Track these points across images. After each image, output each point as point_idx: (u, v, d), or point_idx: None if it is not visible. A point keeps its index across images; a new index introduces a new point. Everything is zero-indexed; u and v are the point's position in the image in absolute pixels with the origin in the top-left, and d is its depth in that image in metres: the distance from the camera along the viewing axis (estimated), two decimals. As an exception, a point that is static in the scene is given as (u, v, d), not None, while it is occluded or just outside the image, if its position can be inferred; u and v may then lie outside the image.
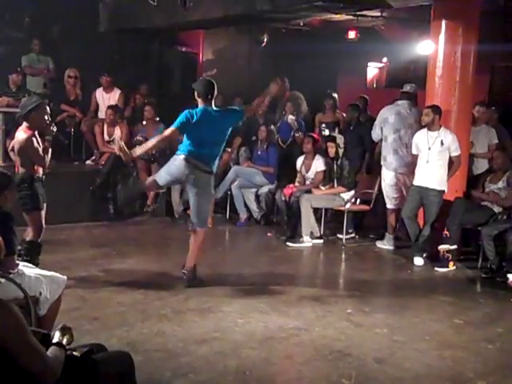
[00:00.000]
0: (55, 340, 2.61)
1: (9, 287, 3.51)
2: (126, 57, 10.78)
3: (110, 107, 9.03)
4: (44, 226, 5.53)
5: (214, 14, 8.71)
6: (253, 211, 8.86)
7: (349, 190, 7.88)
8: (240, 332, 4.71)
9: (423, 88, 7.48)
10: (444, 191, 6.93)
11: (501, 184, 6.87)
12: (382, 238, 7.85)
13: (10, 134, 7.55)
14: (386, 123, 7.68)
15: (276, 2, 7.91)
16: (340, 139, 8.21)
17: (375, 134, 7.89)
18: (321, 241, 7.87)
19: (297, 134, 9.35)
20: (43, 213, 5.51)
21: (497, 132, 7.85)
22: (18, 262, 3.93)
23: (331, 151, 7.95)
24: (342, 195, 7.89)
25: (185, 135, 5.65)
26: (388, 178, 7.71)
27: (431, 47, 7.35)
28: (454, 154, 6.90)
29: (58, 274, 4.05)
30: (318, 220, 8.03)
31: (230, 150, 9.11)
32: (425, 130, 7.01)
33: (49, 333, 2.71)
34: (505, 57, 10.50)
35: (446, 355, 4.48)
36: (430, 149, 6.90)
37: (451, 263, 6.82)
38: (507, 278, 6.25)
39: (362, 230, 8.38)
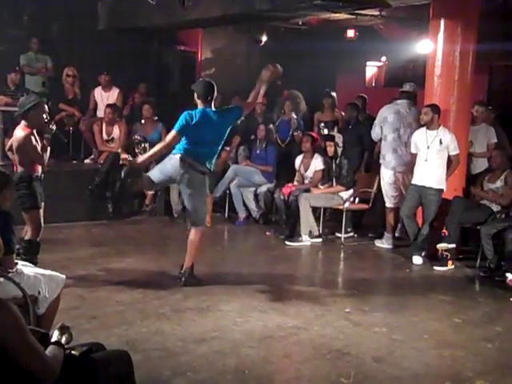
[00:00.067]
0: (54, 339, 2.61)
1: (8, 286, 3.51)
2: (125, 56, 10.77)
3: (108, 106, 9.02)
4: (43, 224, 5.53)
5: (212, 13, 8.72)
6: (252, 210, 8.86)
7: (347, 188, 7.89)
8: (239, 331, 4.71)
9: (422, 87, 7.48)
10: (443, 190, 6.93)
11: (499, 183, 6.87)
12: (380, 236, 7.84)
13: (8, 132, 7.54)
14: (386, 122, 7.68)
15: (275, 1, 7.91)
16: (339, 138, 8.21)
17: (375, 134, 7.89)
18: (319, 240, 7.87)
19: (296, 133, 9.35)
20: (41, 211, 5.51)
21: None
22: (16, 261, 3.93)
23: (330, 150, 7.95)
24: (341, 194, 7.89)
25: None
26: (387, 176, 7.72)
27: (430, 46, 7.35)
28: (453, 153, 6.90)
29: (56, 273, 4.05)
30: (317, 219, 8.03)
31: (228, 148, 9.10)
32: (423, 129, 7.01)
33: (47, 332, 2.71)
34: (504, 56, 10.51)
35: (445, 354, 4.48)
36: (428, 148, 6.91)
37: (450, 262, 6.82)
38: (506, 277, 6.25)
39: (361, 229, 8.38)
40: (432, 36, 7.24)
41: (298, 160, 8.31)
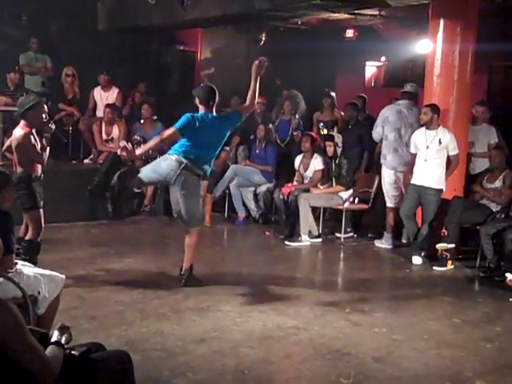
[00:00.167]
0: (54, 339, 2.60)
1: (7, 286, 3.51)
2: (125, 55, 10.77)
3: (108, 106, 9.02)
4: (43, 225, 5.53)
5: (212, 12, 8.72)
6: (251, 210, 8.86)
7: (347, 188, 7.88)
8: (238, 331, 4.71)
9: (421, 87, 7.49)
10: (442, 190, 6.93)
11: (497, 183, 6.87)
12: (380, 237, 7.84)
13: (7, 132, 7.54)
14: (387, 122, 7.69)
15: (274, 1, 7.92)
16: (338, 138, 8.20)
17: (376, 134, 7.89)
18: (319, 240, 7.87)
19: (295, 133, 9.35)
20: (42, 211, 5.51)
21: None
22: (16, 261, 3.93)
23: (329, 150, 7.94)
24: (341, 194, 7.89)
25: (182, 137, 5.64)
26: (388, 176, 7.72)
27: (429, 46, 7.35)
28: (452, 152, 6.90)
29: (56, 273, 4.04)
30: (317, 219, 8.02)
31: (228, 148, 9.09)
32: (423, 129, 7.01)
33: (47, 332, 2.71)
34: (503, 56, 10.52)
35: (445, 354, 4.48)
36: (428, 147, 6.91)
37: (449, 262, 6.81)
38: (505, 277, 6.24)
39: (361, 229, 8.38)
40: (431, 36, 7.24)
41: (298, 160, 8.30)
